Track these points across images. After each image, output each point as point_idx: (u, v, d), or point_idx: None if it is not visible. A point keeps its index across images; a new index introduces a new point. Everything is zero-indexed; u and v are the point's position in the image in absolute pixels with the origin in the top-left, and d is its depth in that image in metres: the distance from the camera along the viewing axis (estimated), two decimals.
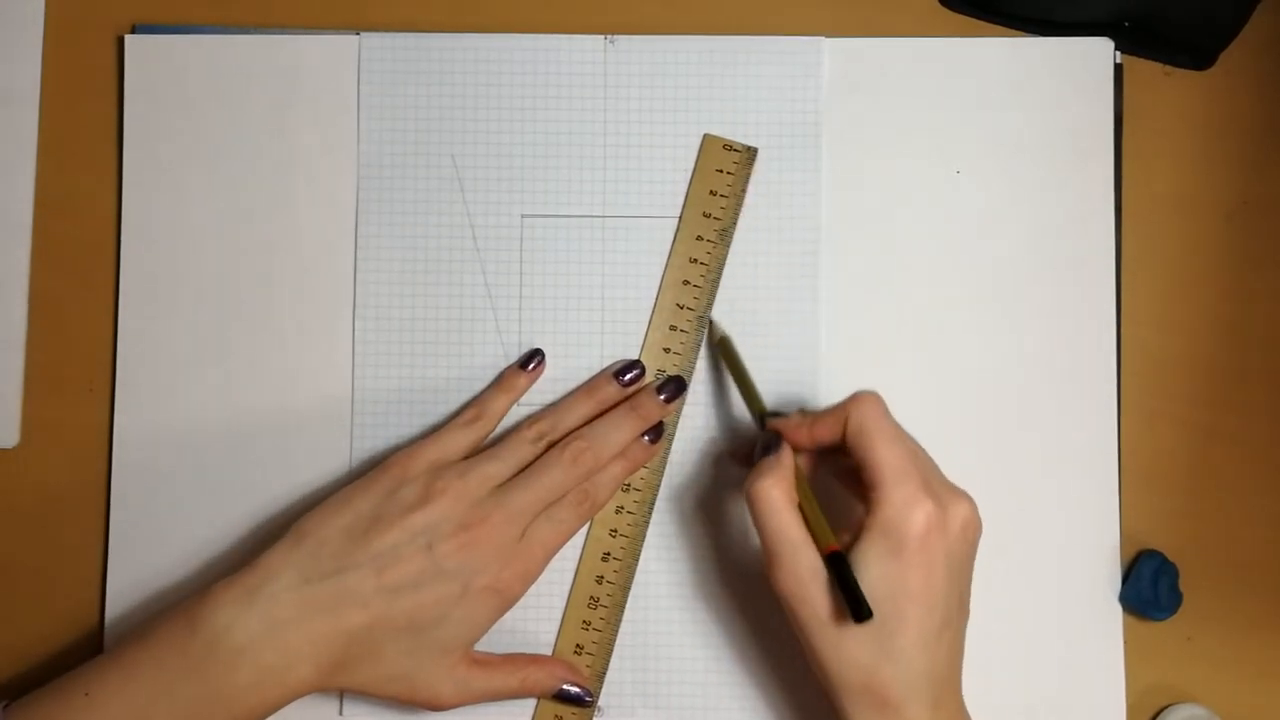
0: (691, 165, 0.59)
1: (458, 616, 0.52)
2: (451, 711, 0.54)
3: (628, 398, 0.57)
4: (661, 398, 0.57)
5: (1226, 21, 0.59)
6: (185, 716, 0.49)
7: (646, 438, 0.56)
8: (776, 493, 0.50)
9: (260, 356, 0.59)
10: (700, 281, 0.58)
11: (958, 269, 0.59)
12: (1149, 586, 0.57)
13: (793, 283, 0.59)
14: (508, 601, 0.53)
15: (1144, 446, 0.59)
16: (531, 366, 0.57)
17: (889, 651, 0.47)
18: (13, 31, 0.60)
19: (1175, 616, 0.57)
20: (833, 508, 0.51)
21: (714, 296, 0.58)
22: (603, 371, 0.58)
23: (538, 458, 0.55)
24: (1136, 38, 0.59)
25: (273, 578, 0.51)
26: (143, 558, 0.58)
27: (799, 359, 0.59)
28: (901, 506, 0.48)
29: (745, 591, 0.58)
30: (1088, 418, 0.58)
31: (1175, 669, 0.58)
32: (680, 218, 0.59)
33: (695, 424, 0.59)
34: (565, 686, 0.56)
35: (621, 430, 0.56)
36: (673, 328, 0.58)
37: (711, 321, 0.58)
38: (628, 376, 0.57)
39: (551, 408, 0.57)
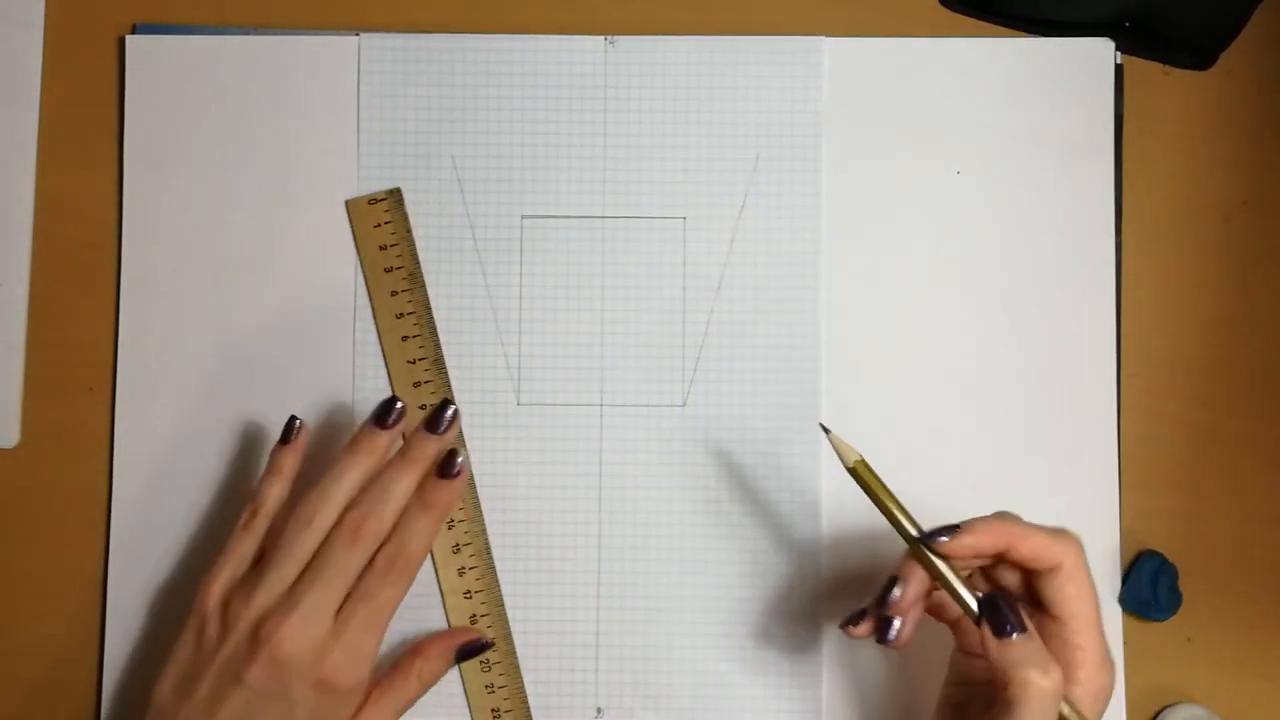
0: (693, 166, 0.59)
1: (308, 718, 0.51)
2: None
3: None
4: (439, 430, 0.53)
5: (1226, 21, 0.59)
6: None
7: (446, 473, 0.53)
8: (1055, 691, 0.45)
9: (260, 357, 0.59)
10: (417, 329, 0.58)
11: (958, 269, 0.59)
12: (1148, 587, 0.57)
13: (793, 283, 0.59)
14: (348, 688, 0.51)
15: (1144, 446, 0.59)
16: (293, 439, 0.54)
17: None
18: (13, 31, 0.60)
19: (1175, 617, 0.57)
20: None
21: (436, 334, 0.58)
22: (364, 423, 0.54)
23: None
24: (1137, 38, 0.59)
25: None
26: (143, 558, 0.58)
27: (799, 359, 0.59)
28: (1104, 663, 0.48)
29: (745, 591, 0.58)
30: (1088, 418, 0.58)
31: (1175, 669, 0.58)
32: (367, 287, 0.59)
33: (696, 430, 0.59)
34: (461, 649, 0.55)
35: (400, 483, 0.52)
36: (416, 384, 0.58)
37: (828, 434, 0.51)
38: (390, 418, 0.53)
39: (317, 484, 0.53)
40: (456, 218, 0.59)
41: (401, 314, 0.59)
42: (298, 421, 0.55)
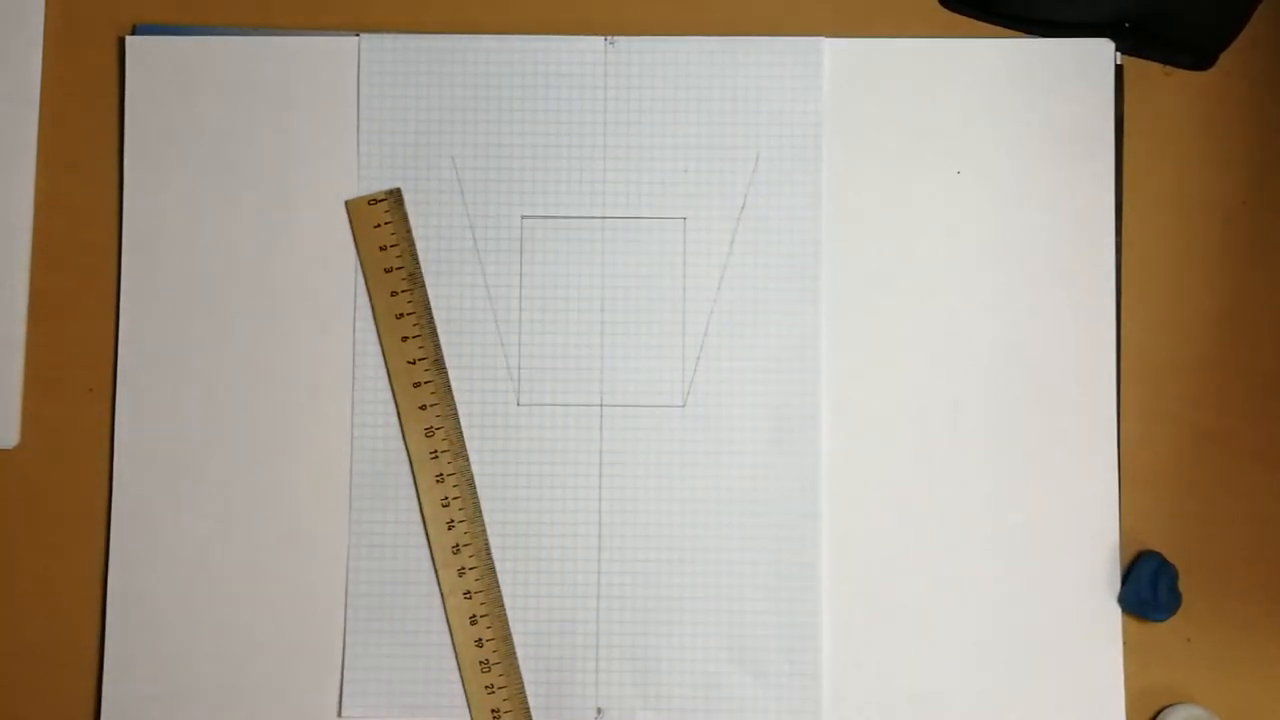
0: (693, 166, 0.59)
1: None
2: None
3: None
4: None
5: (1227, 22, 0.59)
6: None
7: None
8: None
9: (260, 356, 0.59)
10: (417, 329, 0.58)
11: (958, 269, 0.59)
12: (1148, 587, 0.57)
13: (793, 283, 0.59)
14: None
15: (1144, 447, 0.59)
16: None
17: None
18: (13, 31, 0.60)
19: (1174, 617, 0.57)
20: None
21: (436, 334, 0.58)
22: None
23: None
24: (1137, 38, 0.59)
25: None
26: (143, 558, 0.58)
27: (799, 359, 0.59)
28: None
29: (745, 591, 0.58)
30: (1088, 418, 0.58)
31: (1174, 670, 0.58)
32: (367, 288, 0.59)
33: (697, 427, 0.59)
34: None
35: None
36: (416, 384, 0.58)
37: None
38: None
39: None
40: (456, 218, 0.59)
41: (401, 314, 0.59)
42: None
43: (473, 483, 0.58)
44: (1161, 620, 0.57)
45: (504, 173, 0.59)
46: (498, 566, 0.58)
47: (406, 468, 0.58)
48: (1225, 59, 0.60)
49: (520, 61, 0.60)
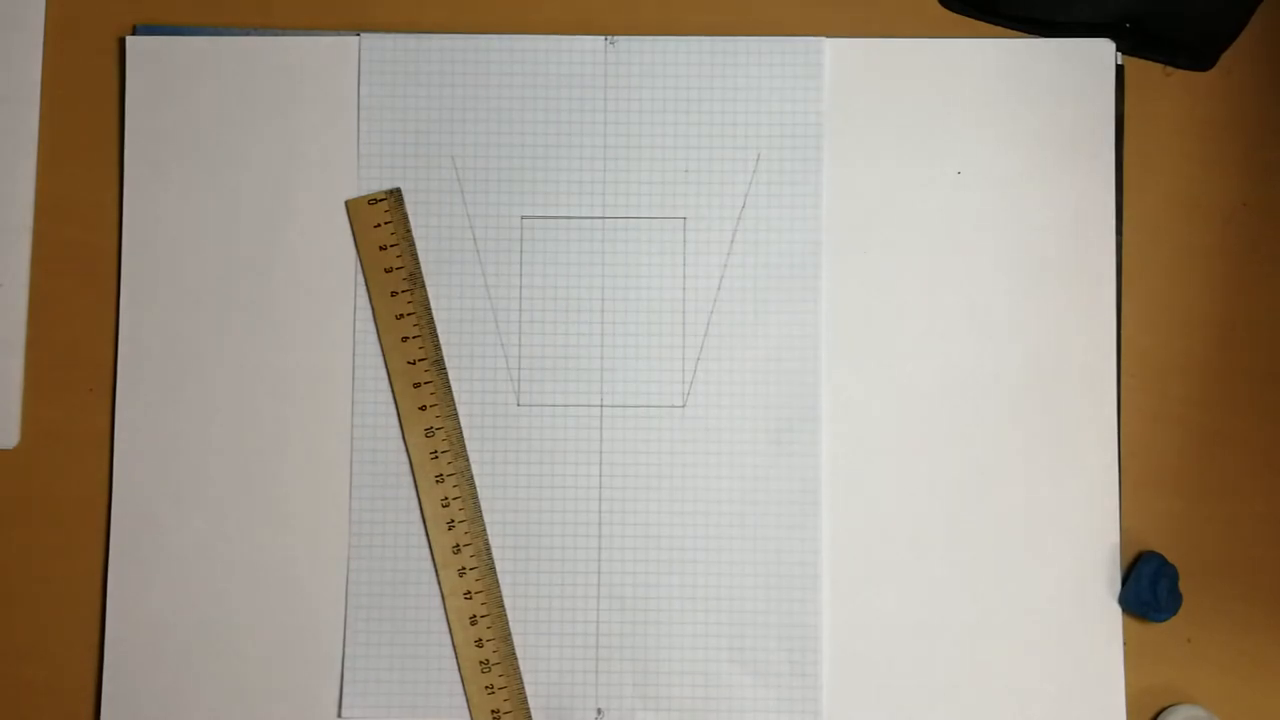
0: (693, 166, 0.59)
1: None
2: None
3: None
4: None
5: (1227, 22, 0.59)
6: None
7: None
8: None
9: (260, 356, 0.59)
10: (417, 330, 0.58)
11: (958, 269, 0.59)
12: (1149, 588, 0.57)
13: (794, 283, 0.59)
14: None
15: (1144, 447, 0.59)
16: None
17: None
18: (13, 31, 0.60)
19: (1175, 618, 0.57)
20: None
21: (436, 335, 0.58)
22: None
23: None
24: (1137, 38, 0.59)
25: None
26: (143, 558, 0.58)
27: (799, 359, 0.59)
28: None
29: (745, 591, 0.58)
30: (1088, 419, 0.58)
31: (1175, 670, 0.58)
32: (367, 288, 0.59)
33: (690, 422, 0.59)
34: None
35: None
36: (416, 384, 0.58)
37: None
38: None
39: None
40: (456, 218, 0.59)
41: (401, 314, 0.59)
42: None
43: (473, 483, 0.58)
44: (1162, 621, 0.57)
45: (504, 173, 0.59)
46: (498, 567, 0.58)
47: (406, 468, 0.58)
48: (1225, 59, 0.60)
49: (520, 61, 0.60)
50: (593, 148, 0.59)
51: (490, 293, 0.59)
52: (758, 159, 0.59)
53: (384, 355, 0.59)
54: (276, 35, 0.60)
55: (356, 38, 0.60)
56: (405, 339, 0.59)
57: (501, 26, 0.60)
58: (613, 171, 0.59)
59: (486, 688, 0.57)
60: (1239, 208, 0.60)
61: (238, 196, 0.59)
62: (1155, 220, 0.60)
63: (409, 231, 0.59)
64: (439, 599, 0.58)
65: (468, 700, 0.57)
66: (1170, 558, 0.57)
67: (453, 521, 0.58)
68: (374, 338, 0.59)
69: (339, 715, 0.58)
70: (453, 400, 0.58)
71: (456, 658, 0.58)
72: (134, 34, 0.60)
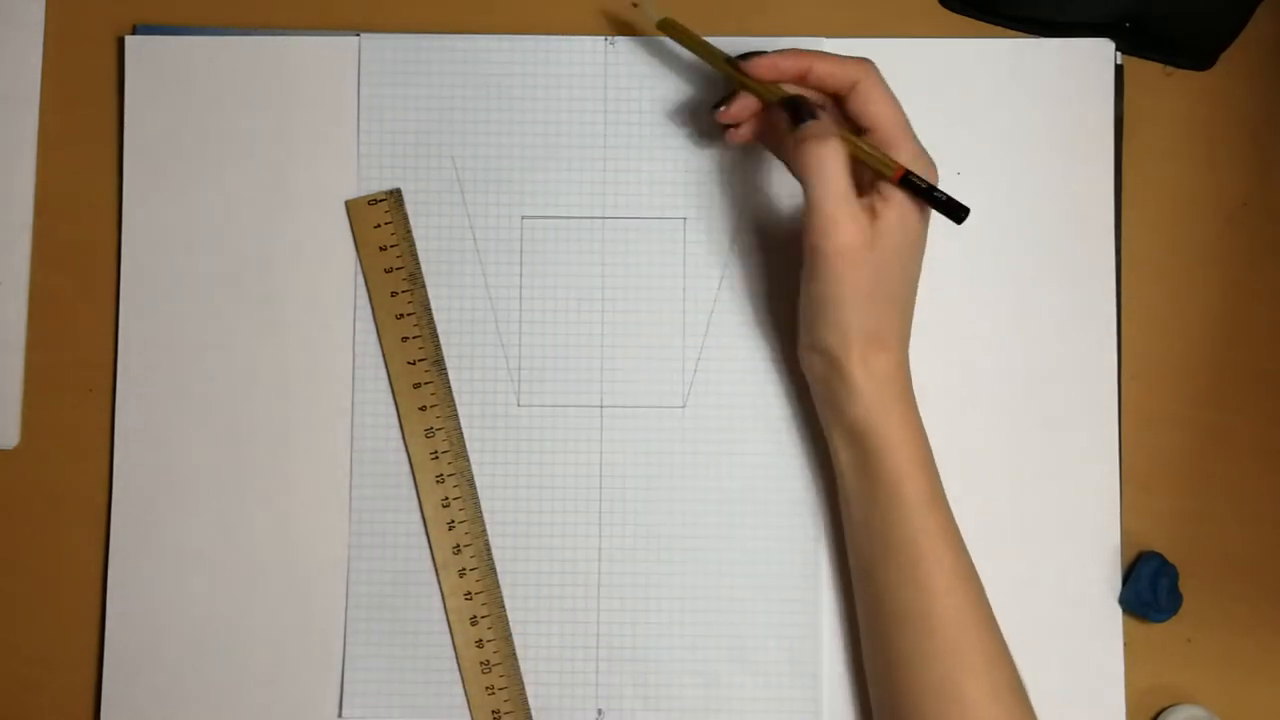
0: (693, 166, 0.59)
1: None
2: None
3: None
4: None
5: (1227, 21, 0.59)
6: None
7: None
8: (839, 159, 0.51)
9: (260, 356, 0.59)
10: (417, 330, 0.58)
11: (958, 269, 0.59)
12: (1148, 588, 0.57)
13: (794, 283, 0.59)
14: None
15: (1144, 447, 0.59)
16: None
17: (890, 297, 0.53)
18: (13, 31, 0.60)
19: (1175, 618, 0.57)
20: None
21: (436, 335, 0.58)
22: None
23: None
24: (1137, 38, 0.59)
25: None
26: (143, 558, 0.58)
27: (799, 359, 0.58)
28: (920, 158, 0.53)
29: (745, 591, 0.58)
30: (1088, 418, 0.58)
31: (1175, 670, 0.58)
32: (367, 288, 0.59)
33: (687, 423, 0.59)
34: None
35: None
36: (416, 385, 0.58)
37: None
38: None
39: None
40: (456, 218, 0.59)
41: (401, 314, 0.59)
42: None
43: (473, 483, 0.58)
44: (1162, 621, 0.57)
45: (504, 173, 0.59)
46: (498, 567, 0.58)
47: (406, 468, 0.58)
48: (1225, 59, 0.60)
49: (520, 61, 0.60)
50: (593, 148, 0.59)
51: (490, 293, 0.59)
52: (758, 159, 0.59)
53: (384, 355, 0.59)
54: (276, 35, 0.60)
55: (356, 38, 0.60)
56: (405, 339, 0.59)
57: (501, 26, 0.60)
58: (613, 171, 0.59)
59: (487, 688, 0.57)
60: (1239, 207, 0.60)
61: (238, 196, 0.59)
62: (1155, 220, 0.60)
63: (409, 232, 0.59)
64: (439, 599, 0.58)
65: (468, 700, 0.57)
66: (1170, 558, 0.57)
67: (453, 522, 0.58)
68: (374, 338, 0.59)
69: (339, 715, 0.58)
70: (453, 400, 0.58)
71: (457, 658, 0.58)
72: (134, 34, 0.60)
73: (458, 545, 0.58)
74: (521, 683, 0.58)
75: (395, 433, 0.59)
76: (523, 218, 0.59)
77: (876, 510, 0.52)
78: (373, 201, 0.59)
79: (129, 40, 0.60)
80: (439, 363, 0.58)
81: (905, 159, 0.52)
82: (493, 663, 0.57)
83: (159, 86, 0.60)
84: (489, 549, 0.58)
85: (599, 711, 0.58)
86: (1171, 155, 0.60)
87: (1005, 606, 0.57)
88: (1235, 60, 0.60)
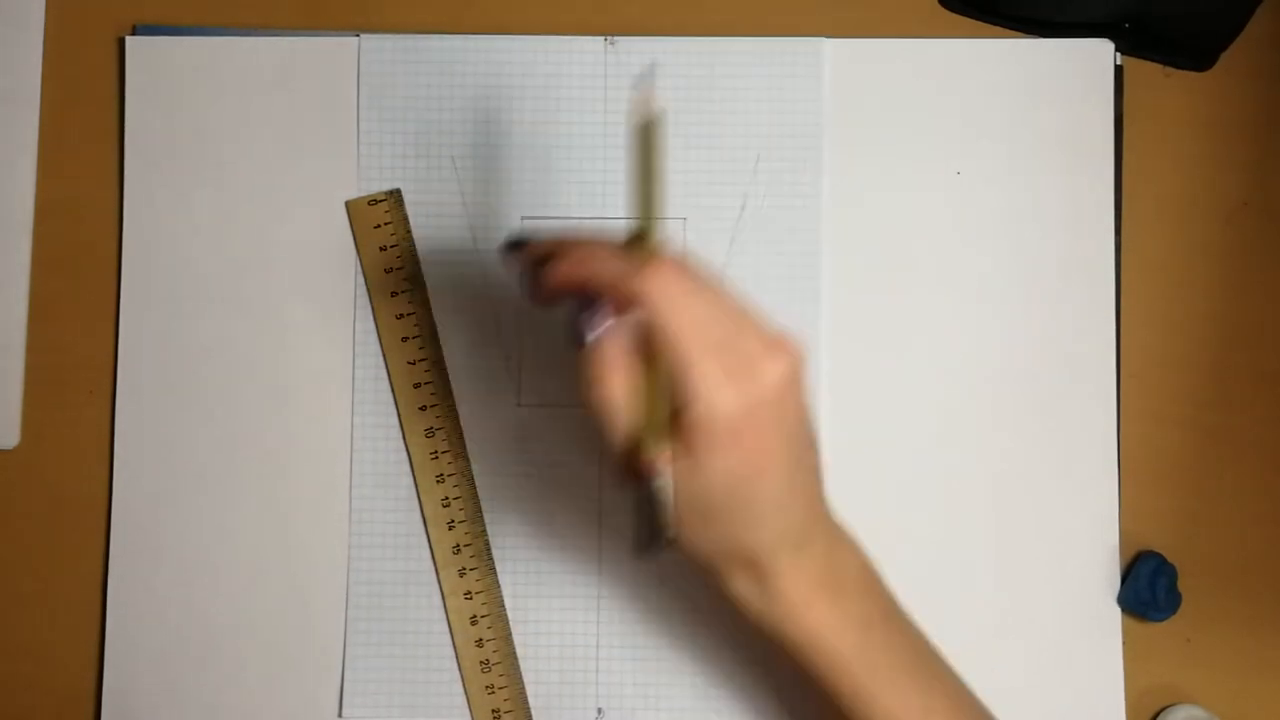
0: (693, 166, 0.59)
1: None
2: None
3: None
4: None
5: (1226, 22, 0.59)
6: None
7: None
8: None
9: (260, 356, 0.59)
10: (416, 330, 0.58)
11: (958, 269, 0.59)
12: (1147, 587, 0.57)
13: (794, 283, 0.59)
14: None
15: (1144, 447, 0.59)
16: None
17: (747, 523, 0.45)
18: (13, 31, 0.60)
19: (1174, 617, 0.57)
20: None
21: (436, 335, 0.58)
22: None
23: None
24: (1136, 39, 0.59)
25: None
26: (143, 559, 0.58)
27: None
28: (710, 396, 0.43)
29: None
30: (1088, 418, 0.58)
31: (1174, 670, 0.58)
32: (367, 288, 0.59)
33: None
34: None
35: None
36: (416, 385, 0.58)
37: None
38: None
39: None
40: (456, 218, 0.59)
41: (401, 314, 0.59)
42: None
43: (473, 483, 0.58)
44: (1161, 620, 0.57)
45: (504, 173, 0.59)
46: (498, 567, 0.58)
47: (406, 468, 0.58)
48: (1225, 59, 0.60)
49: (520, 61, 0.60)
50: (593, 148, 0.59)
51: (490, 293, 0.59)
52: (758, 159, 0.59)
53: (384, 355, 0.59)
54: (276, 35, 0.60)
55: (356, 38, 0.60)
56: (405, 339, 0.59)
57: (501, 26, 0.60)
58: (613, 172, 0.59)
59: (487, 688, 0.57)
60: (1239, 207, 0.60)
61: (238, 196, 0.59)
62: (1155, 220, 0.60)
63: (409, 232, 0.59)
64: (439, 599, 0.58)
65: (468, 700, 0.57)
66: (1170, 557, 0.57)
67: (453, 522, 0.58)
68: (374, 338, 0.59)
69: (339, 715, 0.58)
70: (453, 400, 0.58)
71: (457, 658, 0.58)
72: (134, 34, 0.60)
73: (458, 545, 0.58)
74: (521, 682, 0.58)
75: (395, 433, 0.59)
76: (523, 218, 0.59)
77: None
78: (373, 202, 0.59)
79: (129, 40, 0.60)
80: (439, 363, 0.58)
81: (691, 378, 0.43)
82: (493, 662, 0.57)
83: (159, 86, 0.60)
84: (489, 549, 0.58)
85: (599, 711, 0.58)
86: (1171, 155, 0.60)
87: (1005, 606, 0.58)
88: (1235, 60, 0.60)
